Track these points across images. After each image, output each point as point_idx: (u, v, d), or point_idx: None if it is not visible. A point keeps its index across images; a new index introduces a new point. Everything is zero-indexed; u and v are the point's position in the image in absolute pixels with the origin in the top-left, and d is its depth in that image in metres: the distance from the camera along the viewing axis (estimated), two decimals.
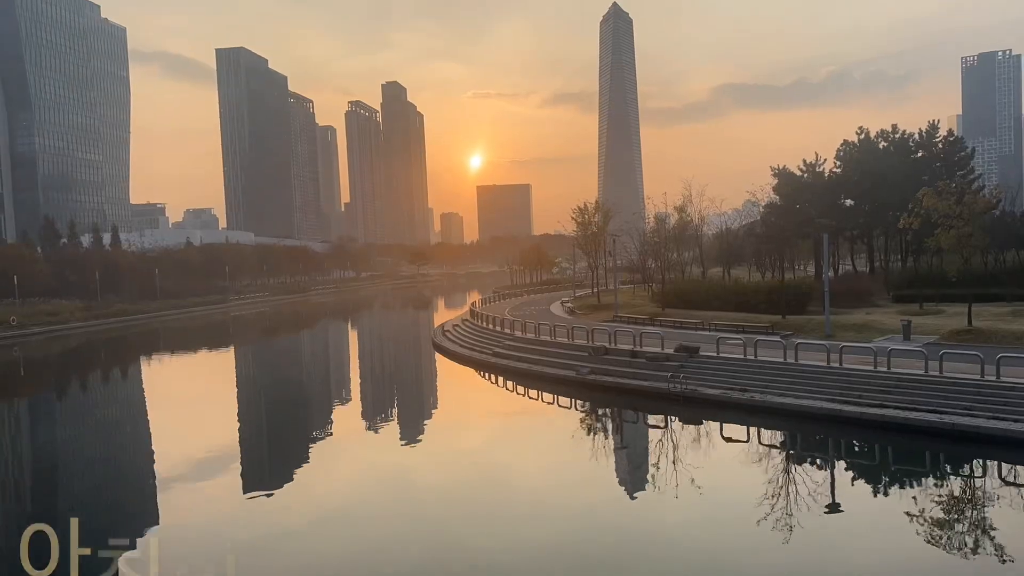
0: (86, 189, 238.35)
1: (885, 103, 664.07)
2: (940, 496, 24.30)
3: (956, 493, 24.94)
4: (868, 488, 25.95)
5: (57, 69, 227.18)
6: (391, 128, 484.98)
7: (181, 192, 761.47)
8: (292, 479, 29.53)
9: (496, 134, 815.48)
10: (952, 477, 26.74)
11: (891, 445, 29.36)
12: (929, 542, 20.35)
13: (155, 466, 31.92)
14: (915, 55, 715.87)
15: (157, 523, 24.73)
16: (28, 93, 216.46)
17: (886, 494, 25.31)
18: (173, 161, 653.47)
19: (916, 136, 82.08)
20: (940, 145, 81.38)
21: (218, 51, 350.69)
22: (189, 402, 50.05)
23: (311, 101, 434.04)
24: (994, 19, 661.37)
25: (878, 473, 27.51)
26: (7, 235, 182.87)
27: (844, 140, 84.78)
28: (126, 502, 27.57)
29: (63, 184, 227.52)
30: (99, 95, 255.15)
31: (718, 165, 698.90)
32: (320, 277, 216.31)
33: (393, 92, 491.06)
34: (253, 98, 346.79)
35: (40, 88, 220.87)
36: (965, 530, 21.35)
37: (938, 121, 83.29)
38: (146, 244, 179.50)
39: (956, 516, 22.62)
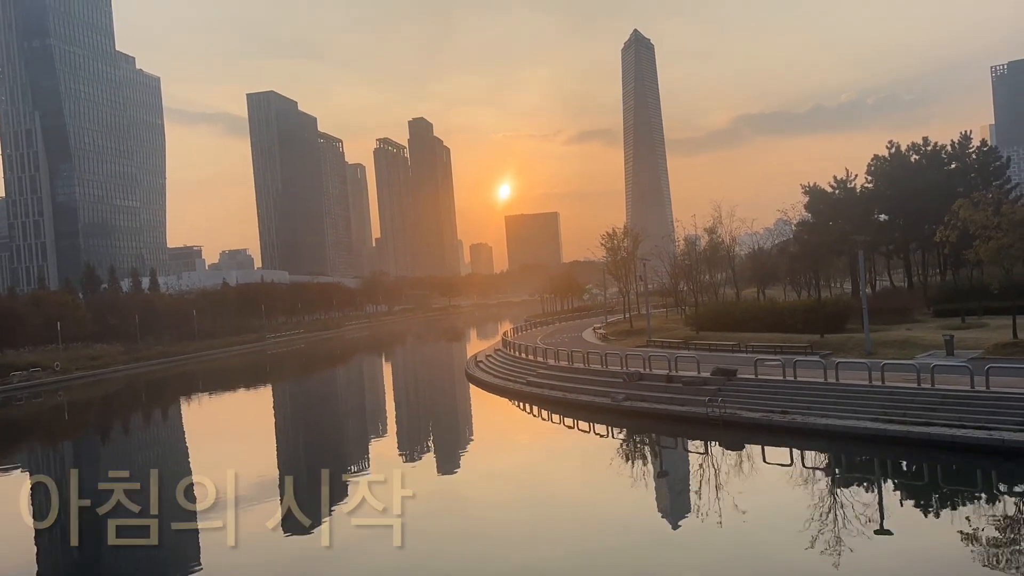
0: (125, 235, 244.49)
1: (903, 123, 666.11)
2: (995, 516, 23.51)
3: (1010, 512, 24.12)
4: (918, 509, 25.24)
5: (95, 120, 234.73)
6: (419, 163, 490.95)
7: (217, 234, 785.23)
8: (331, 513, 29.56)
9: (524, 169, 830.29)
10: (1006, 496, 25.88)
11: (939, 464, 28.56)
12: (985, 565, 19.66)
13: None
14: (929, 78, 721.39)
15: (198, 561, 24.91)
16: (68, 144, 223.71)
17: (937, 515, 24.58)
18: (209, 204, 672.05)
19: (948, 148, 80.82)
20: (974, 156, 80.00)
21: (249, 96, 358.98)
22: (229, 440, 50.56)
23: (341, 140, 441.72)
24: (998, 38, 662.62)
25: (928, 494, 26.76)
26: (50, 283, 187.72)
27: (875, 155, 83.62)
28: (165, 539, 27.79)
29: (103, 231, 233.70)
30: (136, 143, 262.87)
31: (744, 191, 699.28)
32: (353, 312, 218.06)
33: (420, 128, 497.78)
34: (284, 140, 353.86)
35: (79, 139, 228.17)
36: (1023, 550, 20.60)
37: (971, 132, 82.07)
38: (184, 286, 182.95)
39: (1013, 536, 21.84)
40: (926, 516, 24.57)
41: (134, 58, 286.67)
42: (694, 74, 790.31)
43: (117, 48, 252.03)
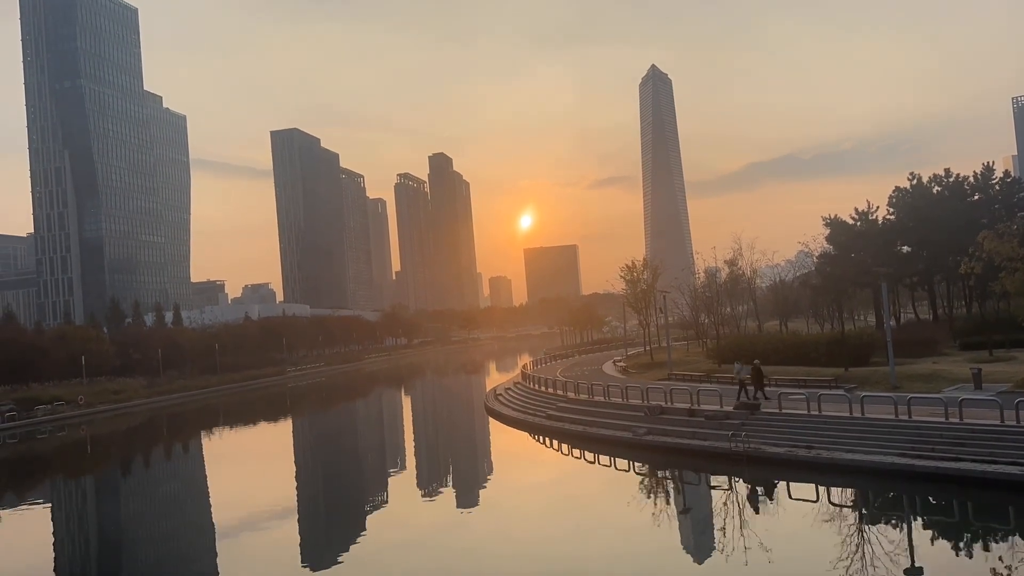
0: (149, 270, 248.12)
1: (906, 166, 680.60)
2: None
3: None
4: (949, 547, 24.57)
5: (122, 158, 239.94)
6: (439, 198, 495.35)
7: (241, 269, 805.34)
8: (349, 550, 29.36)
9: (544, 212, 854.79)
10: None
11: (970, 501, 27.86)
12: None
13: (216, 540, 32.08)
14: (925, 125, 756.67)
15: None
16: (96, 181, 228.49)
17: (969, 553, 23.91)
18: (233, 241, 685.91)
19: (971, 179, 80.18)
20: (997, 187, 79.30)
21: (273, 133, 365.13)
22: (246, 476, 50.50)
23: (362, 176, 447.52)
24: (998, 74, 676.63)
25: (959, 531, 26.05)
26: (76, 317, 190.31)
27: (896, 187, 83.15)
28: (185, 572, 27.77)
29: (128, 266, 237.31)
30: (161, 180, 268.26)
31: (759, 230, 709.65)
32: (373, 345, 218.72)
33: (440, 163, 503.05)
34: (306, 175, 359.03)
35: (107, 176, 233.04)
36: None
37: (993, 163, 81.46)
38: (206, 320, 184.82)
39: None
40: (958, 555, 23.90)
41: (161, 97, 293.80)
42: (706, 124, 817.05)
43: (145, 87, 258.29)
